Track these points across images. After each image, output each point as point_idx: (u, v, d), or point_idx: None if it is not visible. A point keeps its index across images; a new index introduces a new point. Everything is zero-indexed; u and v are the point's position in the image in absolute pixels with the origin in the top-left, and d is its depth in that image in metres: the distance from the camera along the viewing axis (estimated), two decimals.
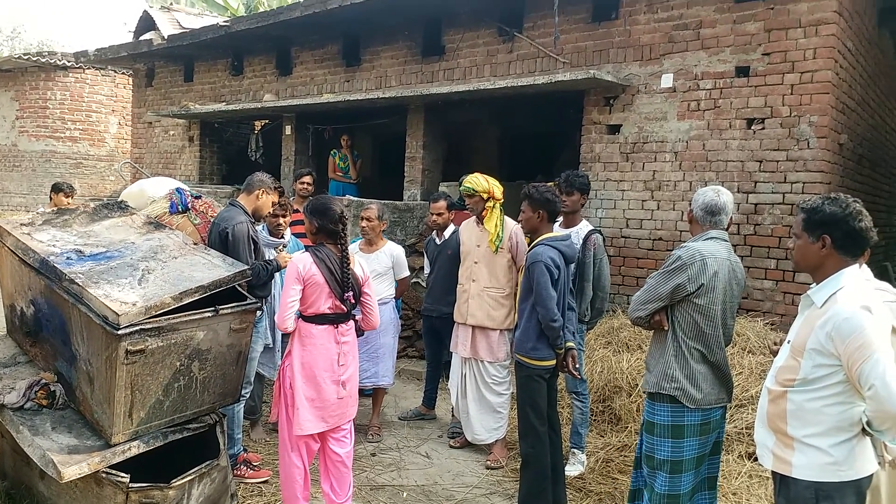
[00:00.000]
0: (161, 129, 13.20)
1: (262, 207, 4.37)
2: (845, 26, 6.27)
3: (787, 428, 2.44)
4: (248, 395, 4.52)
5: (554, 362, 3.89)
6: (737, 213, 6.10)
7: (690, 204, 3.27)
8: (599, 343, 5.75)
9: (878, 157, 8.57)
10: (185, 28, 12.54)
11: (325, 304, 3.54)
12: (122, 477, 3.08)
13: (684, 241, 3.40)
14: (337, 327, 3.59)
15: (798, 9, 6.15)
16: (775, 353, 2.64)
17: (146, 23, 13.36)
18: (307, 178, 6.58)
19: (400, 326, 5.68)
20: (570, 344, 3.90)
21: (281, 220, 4.80)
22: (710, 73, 6.64)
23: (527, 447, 3.88)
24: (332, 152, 10.38)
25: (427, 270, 5.59)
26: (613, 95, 7.28)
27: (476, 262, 4.78)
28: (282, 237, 4.88)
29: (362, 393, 5.05)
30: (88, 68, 15.85)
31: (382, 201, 7.31)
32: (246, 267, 3.71)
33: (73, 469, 2.96)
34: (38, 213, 4.25)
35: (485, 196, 4.71)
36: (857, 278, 2.42)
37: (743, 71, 6.47)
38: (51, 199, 7.47)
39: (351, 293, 3.58)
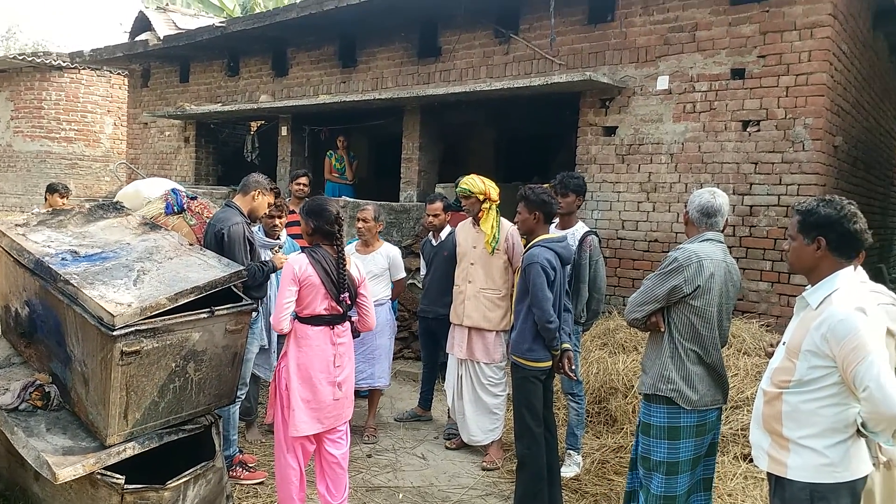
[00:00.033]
0: (157, 129, 13.18)
1: (258, 208, 4.36)
2: (840, 29, 6.30)
3: (783, 429, 2.44)
4: (243, 397, 4.52)
5: (550, 364, 3.89)
6: (732, 215, 6.12)
7: (686, 206, 3.28)
8: (595, 344, 5.76)
9: (872, 159, 8.61)
10: (180, 29, 12.53)
11: (321, 306, 3.53)
12: (117, 478, 3.07)
13: (680, 243, 3.40)
14: (333, 328, 3.59)
15: (793, 11, 6.18)
16: (770, 356, 2.65)
17: (142, 23, 13.36)
18: (303, 180, 6.58)
19: (396, 328, 5.68)
20: (566, 345, 3.90)
21: (277, 222, 4.80)
22: (705, 75, 6.66)
23: (523, 448, 3.88)
24: (328, 153, 10.37)
25: (423, 272, 5.58)
26: (609, 97, 7.29)
27: (472, 264, 4.78)
28: (278, 238, 4.87)
29: (358, 394, 5.04)
30: (84, 69, 15.80)
31: (379, 202, 7.31)
32: (242, 268, 3.70)
33: (68, 470, 2.95)
34: (32, 213, 4.23)
35: (481, 197, 4.71)
36: (852, 280, 2.43)
37: (738, 73, 6.49)
38: (46, 199, 7.44)
39: (347, 294, 3.58)
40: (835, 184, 6.64)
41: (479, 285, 4.73)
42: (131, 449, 3.19)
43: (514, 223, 4.24)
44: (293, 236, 5.33)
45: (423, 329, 5.54)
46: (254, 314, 4.07)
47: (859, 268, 2.52)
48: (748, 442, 3.14)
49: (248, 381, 4.53)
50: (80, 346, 3.21)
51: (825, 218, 2.42)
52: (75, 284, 3.13)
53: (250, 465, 4.43)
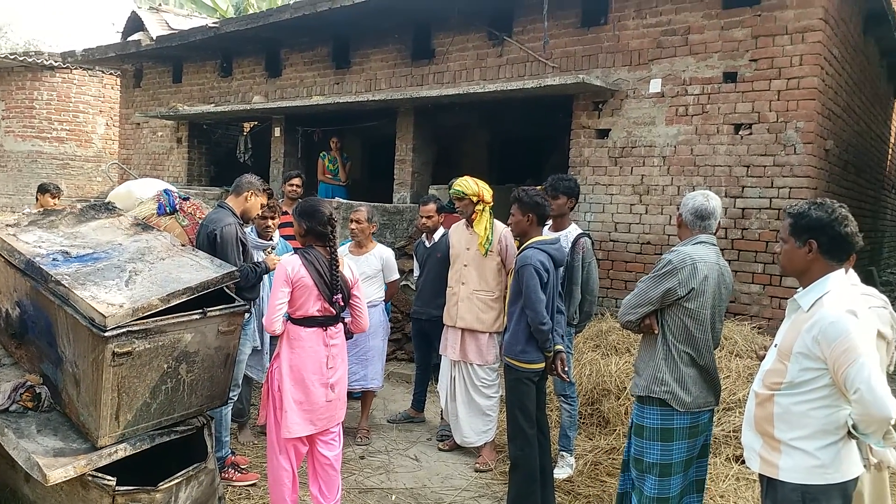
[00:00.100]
0: (149, 130, 13.13)
1: (250, 209, 4.35)
2: (831, 33, 6.34)
3: (774, 431, 2.46)
4: (236, 398, 4.50)
5: (543, 365, 3.89)
6: (724, 218, 6.15)
7: (679, 208, 3.29)
8: (588, 346, 5.77)
9: (863, 162, 8.67)
10: (173, 29, 12.49)
11: (313, 307, 3.53)
12: (109, 480, 3.05)
13: (672, 245, 3.41)
14: (326, 330, 3.58)
15: (785, 16, 6.21)
16: (762, 359, 2.66)
17: (134, 23, 13.31)
18: (296, 181, 6.57)
19: (389, 329, 5.68)
20: (559, 347, 3.91)
21: (270, 223, 4.79)
22: (697, 78, 6.69)
23: (516, 450, 3.88)
24: (321, 154, 10.36)
25: (416, 273, 5.58)
26: (602, 100, 7.32)
27: (465, 265, 4.79)
28: (270, 239, 4.86)
29: (351, 396, 5.04)
30: (76, 68, 15.74)
31: (372, 204, 7.31)
32: (234, 269, 3.68)
33: (59, 472, 2.93)
34: (23, 213, 4.21)
35: (474, 199, 4.72)
36: (843, 283, 2.44)
37: (730, 77, 6.52)
38: (37, 199, 7.41)
39: (340, 296, 3.57)
40: (826, 187, 6.68)
41: (472, 287, 4.74)
42: (123, 450, 3.17)
43: (508, 225, 4.24)
44: (286, 237, 5.32)
45: (417, 330, 5.53)
46: (246, 315, 4.06)
47: (851, 270, 2.54)
48: (740, 444, 3.16)
49: (240, 382, 4.52)
50: (71, 347, 3.19)
51: (816, 221, 2.43)
52: (66, 285, 3.12)
53: (242, 467, 4.41)
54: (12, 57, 16.04)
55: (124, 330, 3.01)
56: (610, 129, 7.29)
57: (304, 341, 3.53)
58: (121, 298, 3.09)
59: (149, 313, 3.11)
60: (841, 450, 2.37)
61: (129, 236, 3.83)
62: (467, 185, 4.72)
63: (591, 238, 4.60)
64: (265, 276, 4.38)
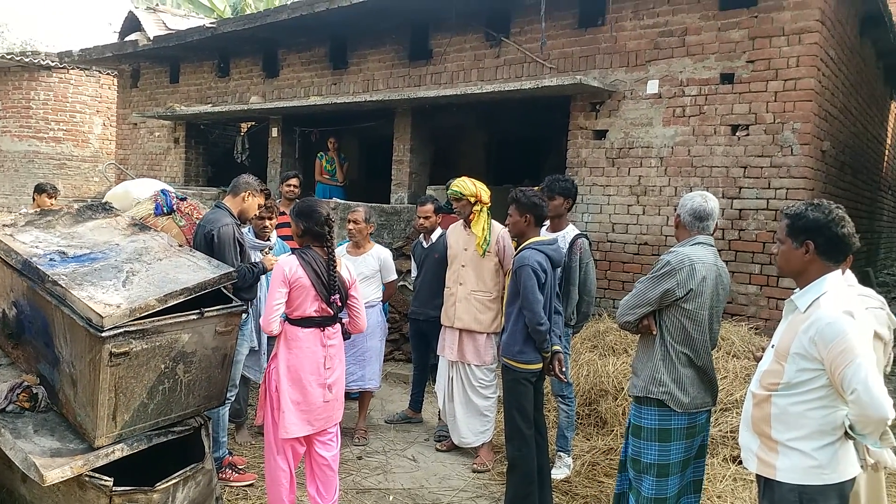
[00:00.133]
0: (146, 130, 13.11)
1: (248, 210, 4.35)
2: (828, 35, 6.36)
3: (772, 431, 2.46)
4: (233, 398, 4.50)
5: (540, 366, 3.90)
6: (721, 219, 6.15)
7: (677, 209, 3.29)
8: (585, 347, 5.78)
9: (859, 163, 8.69)
10: (170, 29, 12.48)
11: (311, 307, 3.53)
12: (106, 480, 3.04)
13: (670, 246, 3.42)
14: (323, 330, 3.58)
15: (781, 17, 6.23)
16: (759, 359, 2.67)
17: (131, 23, 13.30)
18: (294, 181, 6.56)
19: (387, 330, 5.67)
20: (557, 347, 3.91)
21: (267, 223, 4.79)
22: (695, 79, 6.70)
23: (513, 450, 3.88)
24: (318, 155, 10.35)
25: (414, 274, 5.59)
26: (600, 101, 7.32)
27: (463, 266, 4.79)
28: (268, 240, 4.86)
29: (348, 396, 5.04)
30: (72, 68, 15.71)
31: (369, 204, 7.31)
32: (231, 269, 3.68)
33: (56, 472, 2.93)
34: (20, 213, 4.20)
35: (472, 200, 4.72)
36: (840, 284, 2.45)
37: (727, 78, 6.53)
38: (34, 199, 7.39)
39: (337, 296, 3.57)
40: (823, 188, 6.70)
41: (469, 287, 4.74)
42: (120, 451, 3.17)
43: (505, 225, 4.24)
44: (283, 238, 5.32)
45: (414, 331, 5.53)
46: (244, 316, 4.05)
47: (847, 271, 2.55)
48: (737, 444, 3.16)
49: (237, 382, 4.52)
50: (68, 347, 3.19)
51: (813, 222, 2.44)
52: (63, 285, 3.11)
53: (240, 467, 4.41)
54: (9, 57, 16.01)
55: (121, 330, 3.00)
56: (607, 130, 7.29)
57: (302, 342, 3.53)
58: (118, 299, 3.09)
59: (146, 314, 3.10)
60: (838, 450, 2.37)
61: (127, 236, 3.83)
62: (465, 185, 4.72)
63: (588, 239, 4.60)
64: (262, 277, 4.38)
